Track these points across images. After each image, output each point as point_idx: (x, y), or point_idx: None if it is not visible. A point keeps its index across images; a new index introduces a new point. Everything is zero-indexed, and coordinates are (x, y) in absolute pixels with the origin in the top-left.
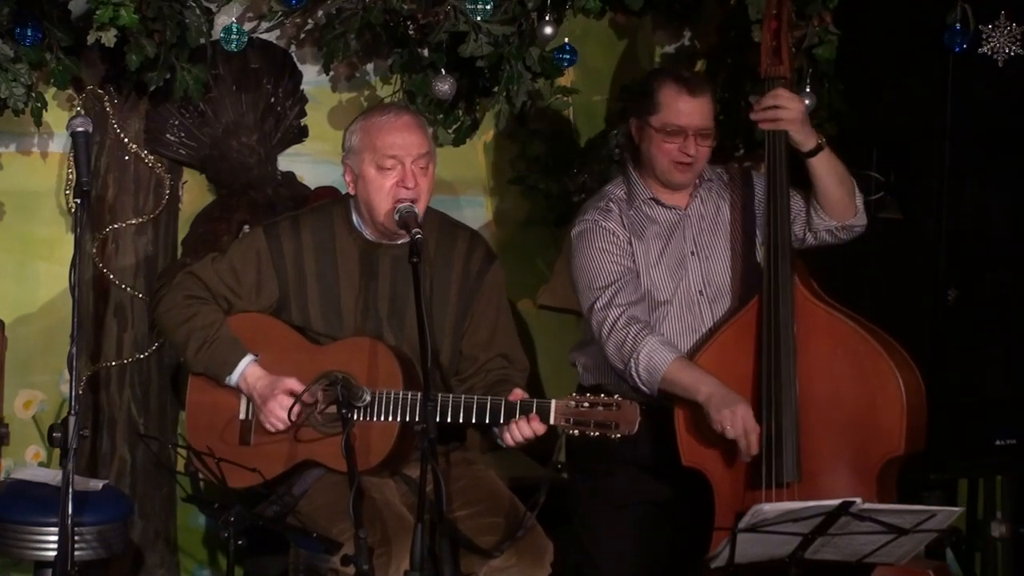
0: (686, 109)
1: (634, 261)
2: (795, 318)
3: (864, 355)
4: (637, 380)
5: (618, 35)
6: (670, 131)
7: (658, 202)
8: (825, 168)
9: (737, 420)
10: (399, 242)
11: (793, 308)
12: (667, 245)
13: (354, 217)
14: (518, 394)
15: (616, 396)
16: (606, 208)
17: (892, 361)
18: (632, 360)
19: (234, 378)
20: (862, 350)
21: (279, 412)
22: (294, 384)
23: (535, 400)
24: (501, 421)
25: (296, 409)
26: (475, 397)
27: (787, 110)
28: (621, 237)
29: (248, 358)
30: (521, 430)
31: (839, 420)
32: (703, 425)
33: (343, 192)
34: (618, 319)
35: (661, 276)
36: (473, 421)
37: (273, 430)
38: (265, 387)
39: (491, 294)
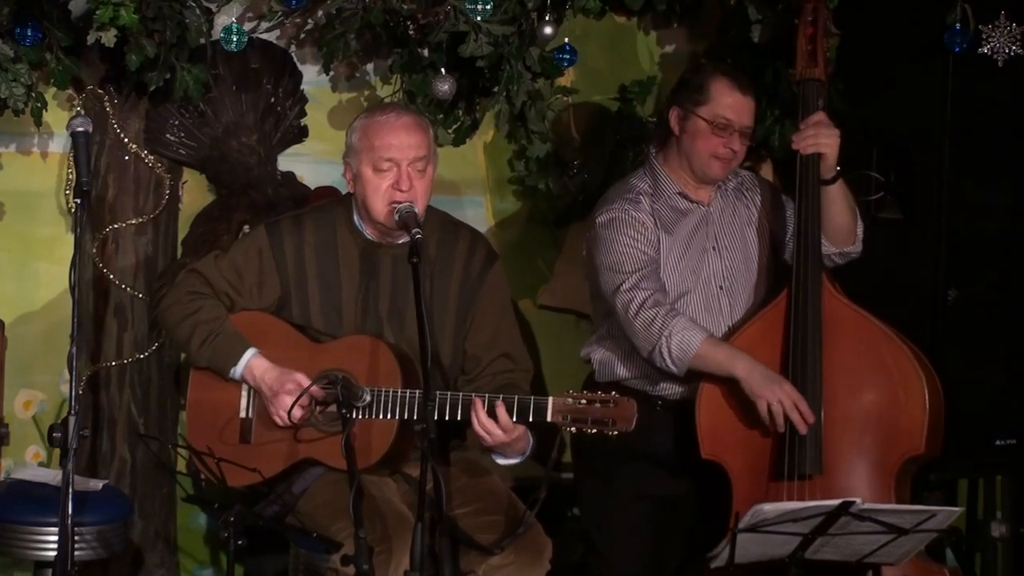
0: (737, 105)
1: (659, 253)
2: (822, 314)
3: (888, 354)
4: (667, 358)
5: (618, 35)
6: (719, 124)
7: (684, 196)
8: (839, 196)
9: (785, 395)
10: (400, 241)
11: (821, 304)
12: (691, 239)
13: (355, 216)
14: None
15: (613, 393)
16: (635, 199)
17: (916, 361)
18: (663, 338)
19: (239, 370)
20: (886, 349)
21: (290, 407)
22: (303, 378)
23: (532, 397)
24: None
25: (297, 411)
26: (472, 394)
27: (828, 136)
28: (649, 228)
29: (252, 350)
30: (477, 415)
31: (861, 416)
32: (724, 417)
33: (343, 192)
34: (646, 300)
35: (683, 270)
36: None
37: (282, 424)
38: (275, 380)
39: (493, 294)
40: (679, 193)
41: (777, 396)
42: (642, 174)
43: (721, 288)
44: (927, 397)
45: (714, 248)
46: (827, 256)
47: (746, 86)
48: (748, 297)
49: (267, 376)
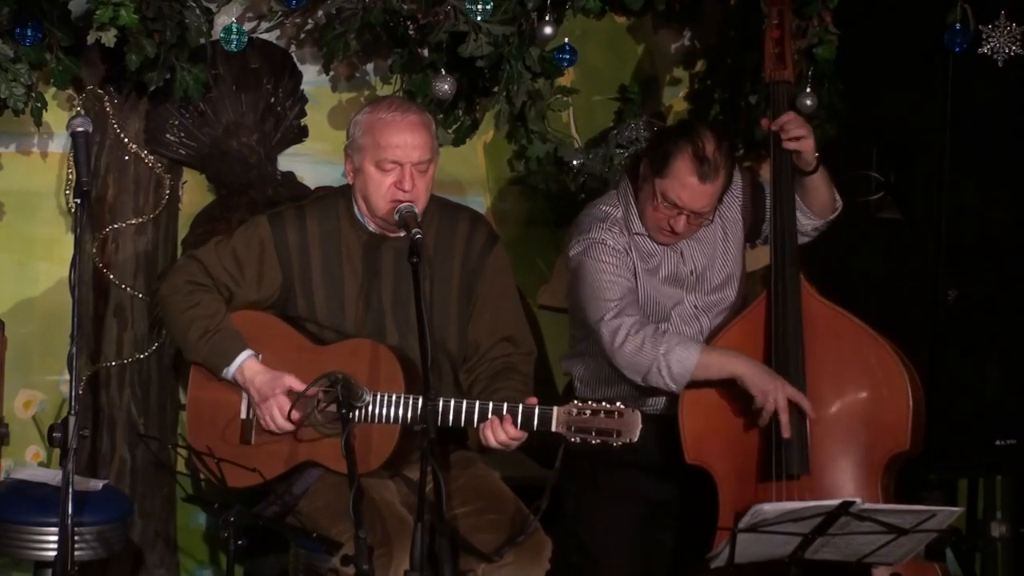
0: (689, 191)
1: (636, 277)
2: (802, 314)
3: (870, 352)
4: (665, 377)
5: (618, 35)
6: (667, 202)
7: (653, 239)
8: (821, 182)
9: (783, 395)
10: (402, 234)
11: (800, 304)
12: (661, 264)
13: (356, 209)
14: (533, 401)
15: (618, 404)
16: (609, 227)
17: (898, 358)
18: (659, 358)
19: (231, 370)
20: (868, 347)
21: (277, 415)
22: (293, 382)
23: (537, 407)
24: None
25: (295, 413)
26: (476, 402)
27: (807, 133)
28: (623, 252)
29: (247, 352)
30: (496, 434)
31: (846, 415)
32: (707, 422)
33: None
34: (632, 326)
35: (661, 293)
36: (475, 425)
37: (276, 430)
38: (264, 384)
39: (494, 276)
40: (649, 236)
41: (776, 393)
42: (615, 201)
43: (696, 307)
44: (910, 394)
45: (691, 272)
46: (816, 228)
47: (710, 174)
48: (727, 310)
49: (256, 379)
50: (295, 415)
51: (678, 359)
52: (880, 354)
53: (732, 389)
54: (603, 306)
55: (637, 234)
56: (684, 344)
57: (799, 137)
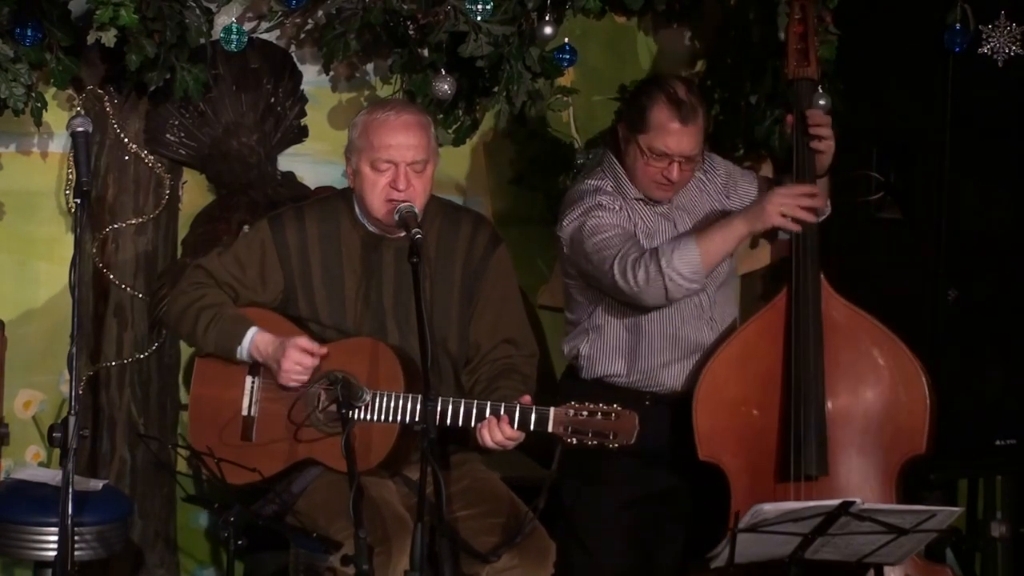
0: (675, 136)
1: (633, 225)
2: (822, 315)
3: (889, 353)
4: (683, 284)
5: (618, 35)
6: (656, 154)
7: (645, 202)
8: (824, 184)
9: (783, 198)
10: (402, 235)
11: (820, 304)
12: (656, 232)
13: (356, 209)
14: (527, 400)
15: (615, 406)
16: (602, 195)
17: (916, 360)
18: (666, 271)
19: (245, 347)
20: (887, 348)
21: (296, 367)
22: (303, 341)
23: (533, 407)
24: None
25: (296, 413)
26: (475, 402)
27: (830, 140)
28: (619, 210)
29: (254, 328)
30: (492, 434)
31: (865, 416)
32: (722, 419)
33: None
34: (634, 261)
35: None
36: (472, 425)
37: (295, 386)
38: (277, 349)
39: (496, 277)
40: (640, 199)
41: (778, 207)
42: (602, 175)
43: None
44: (928, 396)
45: None
46: None
47: (689, 114)
48: (726, 283)
49: (271, 348)
50: (296, 415)
51: (682, 262)
52: (899, 356)
53: (748, 386)
54: (607, 253)
55: (634, 199)
56: (679, 247)
57: (826, 138)
